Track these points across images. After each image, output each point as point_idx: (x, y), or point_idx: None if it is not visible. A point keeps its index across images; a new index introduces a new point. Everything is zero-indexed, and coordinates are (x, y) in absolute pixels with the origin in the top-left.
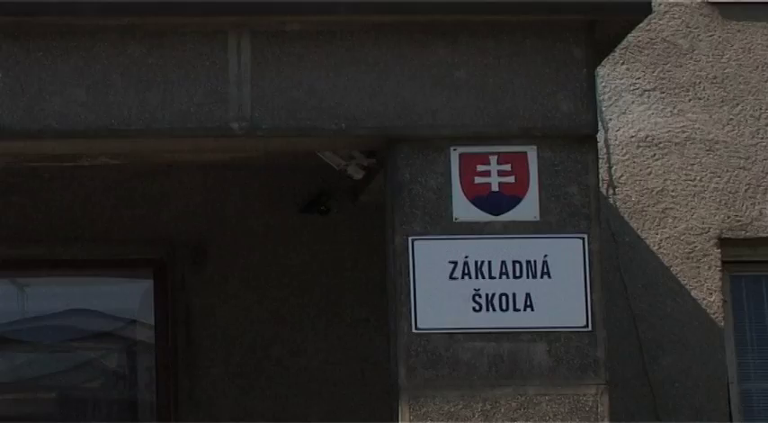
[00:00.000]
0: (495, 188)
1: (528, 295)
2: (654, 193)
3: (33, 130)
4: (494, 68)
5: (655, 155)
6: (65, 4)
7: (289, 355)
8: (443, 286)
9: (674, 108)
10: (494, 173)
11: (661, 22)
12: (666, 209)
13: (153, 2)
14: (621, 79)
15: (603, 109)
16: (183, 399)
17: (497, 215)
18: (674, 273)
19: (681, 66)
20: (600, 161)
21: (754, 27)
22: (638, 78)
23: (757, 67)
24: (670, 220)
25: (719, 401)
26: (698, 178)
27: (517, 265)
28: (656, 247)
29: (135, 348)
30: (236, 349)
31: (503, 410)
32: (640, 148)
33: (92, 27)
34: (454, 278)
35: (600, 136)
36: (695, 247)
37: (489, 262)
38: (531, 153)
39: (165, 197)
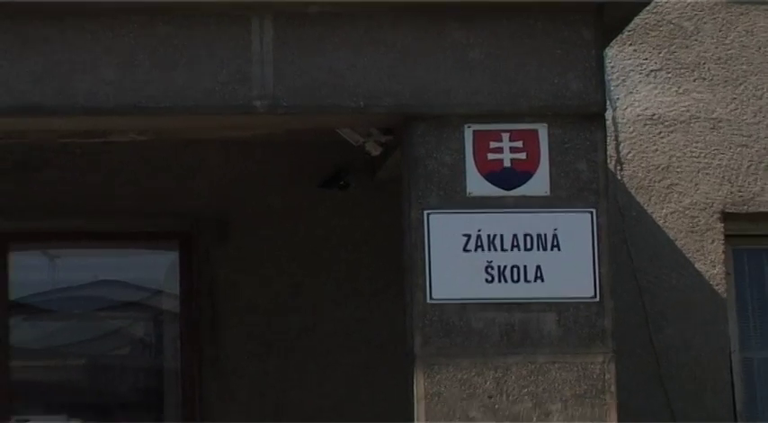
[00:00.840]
0: (507, 164)
1: (538, 267)
2: (659, 169)
3: (64, 107)
4: (507, 50)
5: (660, 133)
6: None
7: (307, 326)
8: (457, 258)
9: (679, 88)
10: (506, 149)
11: (667, 4)
12: (672, 185)
13: None
14: (629, 60)
15: (612, 88)
16: (207, 366)
17: (509, 190)
18: (678, 246)
19: (686, 47)
20: (608, 139)
21: (756, 10)
22: (645, 59)
23: (759, 48)
24: (675, 196)
25: (722, 370)
26: (702, 155)
27: (528, 238)
28: (661, 222)
29: (161, 317)
30: (258, 319)
31: (513, 377)
32: (647, 126)
33: (121, 9)
34: (468, 250)
35: (608, 114)
36: (699, 221)
37: (501, 235)
38: (542, 131)
39: (190, 173)
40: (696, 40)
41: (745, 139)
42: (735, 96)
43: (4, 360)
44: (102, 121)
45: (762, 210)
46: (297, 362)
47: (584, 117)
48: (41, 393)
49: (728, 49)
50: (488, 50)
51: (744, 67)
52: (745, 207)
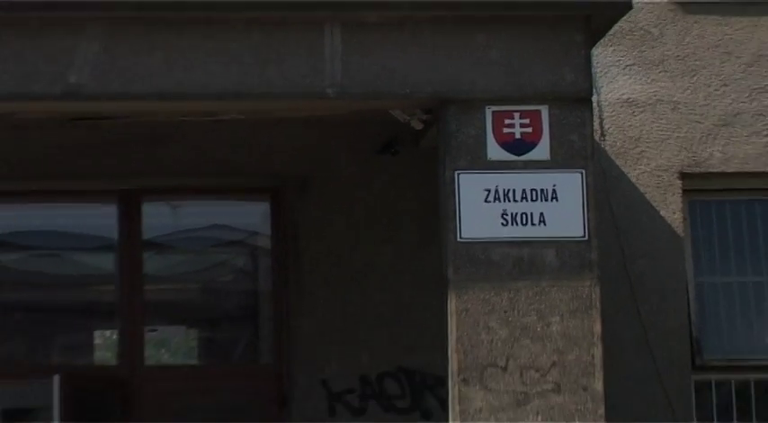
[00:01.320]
0: (517, 136)
1: (542, 214)
2: (633, 140)
3: (182, 93)
4: (517, 50)
5: (633, 112)
6: (209, 3)
7: (368, 260)
8: (480, 207)
9: (647, 78)
10: (516, 125)
11: (638, 15)
12: (642, 152)
13: (271, 1)
14: (609, 57)
15: (596, 79)
16: (292, 289)
17: (519, 156)
18: (647, 198)
19: (652, 47)
20: (594, 117)
21: (706, 20)
22: (622, 57)
23: (708, 48)
24: (645, 160)
25: (681, 291)
26: (665, 129)
27: (533, 192)
28: (634, 180)
29: (257, 253)
30: (329, 254)
31: (523, 297)
32: (623, 108)
33: (227, 19)
34: (488, 202)
35: (594, 99)
36: (663, 179)
37: (513, 190)
38: (544, 111)
39: (278, 142)
40: (660, 43)
41: (697, 117)
42: (690, 85)
43: (140, 285)
44: (211, 104)
45: (710, 170)
46: (359, 287)
47: (576, 101)
48: (167, 310)
49: (685, 49)
50: (503, 50)
51: (697, 62)
52: (698, 168)
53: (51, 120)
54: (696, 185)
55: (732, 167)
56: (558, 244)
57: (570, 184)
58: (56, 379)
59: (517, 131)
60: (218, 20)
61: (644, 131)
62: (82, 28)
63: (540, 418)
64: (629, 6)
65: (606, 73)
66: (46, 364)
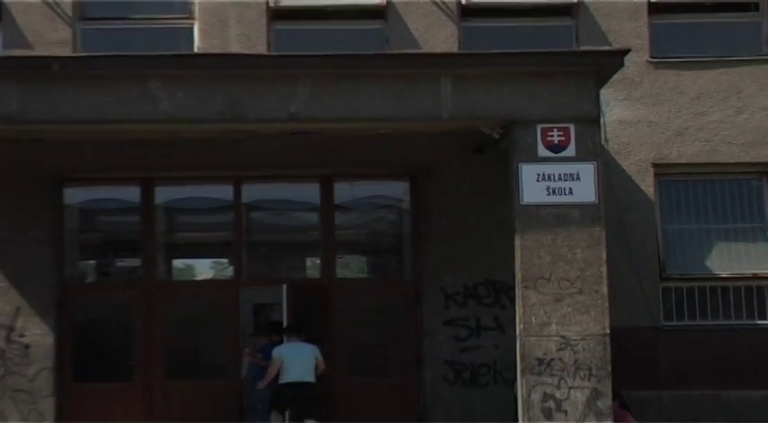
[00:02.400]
0: (555, 142)
1: (570, 188)
2: (624, 144)
3: (358, 118)
4: (557, 90)
5: (624, 127)
6: (375, 62)
7: (470, 220)
8: (533, 184)
9: (632, 107)
10: (555, 135)
11: (627, 70)
12: (629, 151)
13: (408, 63)
14: (610, 95)
15: (602, 108)
16: (422, 234)
17: (557, 153)
18: (633, 179)
19: (635, 89)
20: (601, 130)
21: (668, 72)
22: (617, 94)
23: (669, 89)
24: (631, 156)
25: (653, 233)
26: (643, 138)
27: (565, 175)
28: (625, 168)
29: (401, 212)
30: (443, 214)
31: (559, 238)
32: (618, 125)
33: (384, 74)
34: (538, 181)
35: (601, 120)
36: (642, 167)
37: (553, 174)
38: (572, 127)
39: (413, 146)
40: (640, 86)
41: (662, 130)
42: (657, 111)
43: (332, 230)
44: (374, 124)
45: (670, 162)
46: (463, 234)
47: (591, 121)
48: (348, 245)
49: (655, 90)
50: (547, 91)
51: (662, 98)
52: (663, 161)
53: (278, 133)
54: (662, 171)
55: (683, 160)
56: (580, 206)
57: (587, 171)
58: (284, 286)
59: (555, 139)
60: (379, 74)
61: (630, 139)
62: (298, 78)
63: (570, 309)
64: (622, 65)
65: (608, 104)
66: (279, 277)
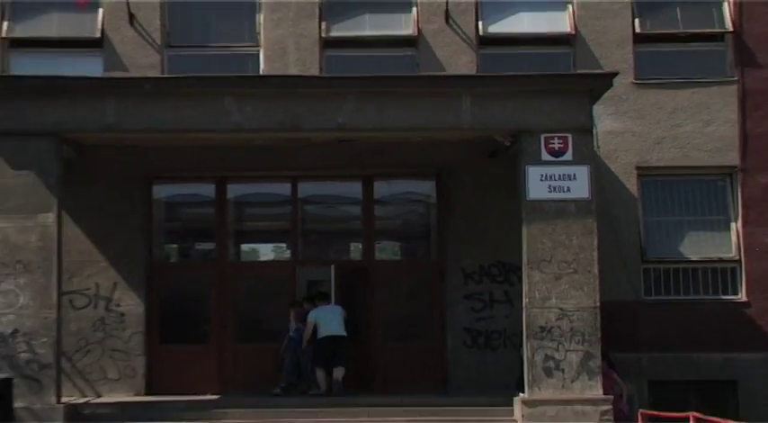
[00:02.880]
0: (556, 148)
1: (568, 187)
2: (612, 150)
3: (396, 128)
4: (557, 106)
5: (613, 137)
6: (409, 82)
7: (483, 210)
8: (538, 183)
9: (620, 120)
10: (556, 143)
11: (615, 89)
12: (617, 156)
13: (434, 83)
14: (601, 110)
15: (595, 120)
16: (445, 223)
17: (557, 158)
18: (620, 179)
19: (622, 104)
20: (594, 138)
21: (649, 91)
22: (607, 109)
23: (650, 105)
24: (618, 160)
25: (635, 223)
26: (628, 145)
27: (564, 175)
28: (613, 169)
29: (429, 205)
30: (464, 207)
31: (559, 227)
32: (608, 134)
33: (416, 92)
34: (542, 180)
35: (594, 130)
36: (627, 169)
37: (554, 174)
38: (570, 136)
39: (439, 150)
40: (626, 102)
41: (644, 139)
42: (640, 124)
43: (372, 220)
44: (407, 134)
45: (651, 165)
46: (479, 223)
47: (585, 131)
48: (385, 233)
49: (638, 106)
50: (549, 106)
51: (644, 112)
52: (645, 164)
53: (328, 141)
54: (643, 173)
55: (661, 164)
56: (576, 201)
57: (582, 172)
58: (332, 267)
59: (556, 146)
60: (411, 93)
61: (618, 146)
62: (344, 95)
63: (567, 286)
64: (611, 85)
65: (599, 117)
66: (328, 259)
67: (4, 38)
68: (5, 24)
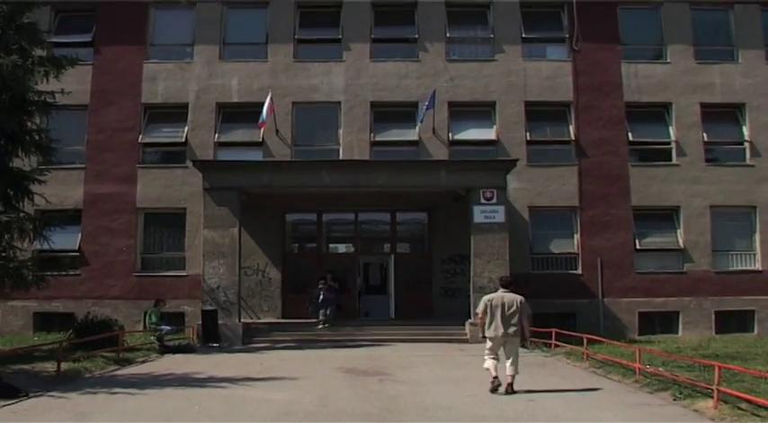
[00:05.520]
0: (488, 196)
1: (494, 216)
2: (516, 197)
3: (401, 186)
4: (489, 175)
5: (516, 190)
6: (412, 161)
7: (455, 235)
8: (479, 214)
9: (519, 182)
10: (488, 194)
11: (518, 167)
12: (518, 200)
13: (427, 163)
14: (511, 176)
15: (507, 182)
16: (434, 240)
17: (489, 201)
18: (520, 213)
19: (521, 174)
20: (506, 192)
21: (536, 169)
22: (513, 176)
23: (537, 175)
24: (518, 202)
25: (528, 236)
26: (524, 195)
27: (492, 211)
28: (517, 208)
29: (423, 229)
30: (444, 232)
31: (490, 237)
32: (514, 190)
33: (430, 165)
34: (481, 213)
35: (508, 187)
36: (523, 207)
37: (486, 209)
38: (495, 190)
39: (427, 196)
40: (523, 174)
41: (532, 192)
42: (531, 185)
43: (394, 228)
44: (408, 188)
45: (536, 205)
46: (453, 239)
47: (503, 187)
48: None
49: (529, 176)
50: (484, 174)
51: (532, 179)
52: (533, 205)
53: (373, 192)
54: (532, 209)
55: (541, 205)
56: (498, 223)
57: (501, 209)
58: (392, 257)
59: (488, 195)
60: (416, 167)
61: (519, 196)
62: (382, 169)
63: (492, 266)
64: (515, 165)
65: (510, 181)
66: (373, 252)
67: (216, 141)
68: (216, 135)
